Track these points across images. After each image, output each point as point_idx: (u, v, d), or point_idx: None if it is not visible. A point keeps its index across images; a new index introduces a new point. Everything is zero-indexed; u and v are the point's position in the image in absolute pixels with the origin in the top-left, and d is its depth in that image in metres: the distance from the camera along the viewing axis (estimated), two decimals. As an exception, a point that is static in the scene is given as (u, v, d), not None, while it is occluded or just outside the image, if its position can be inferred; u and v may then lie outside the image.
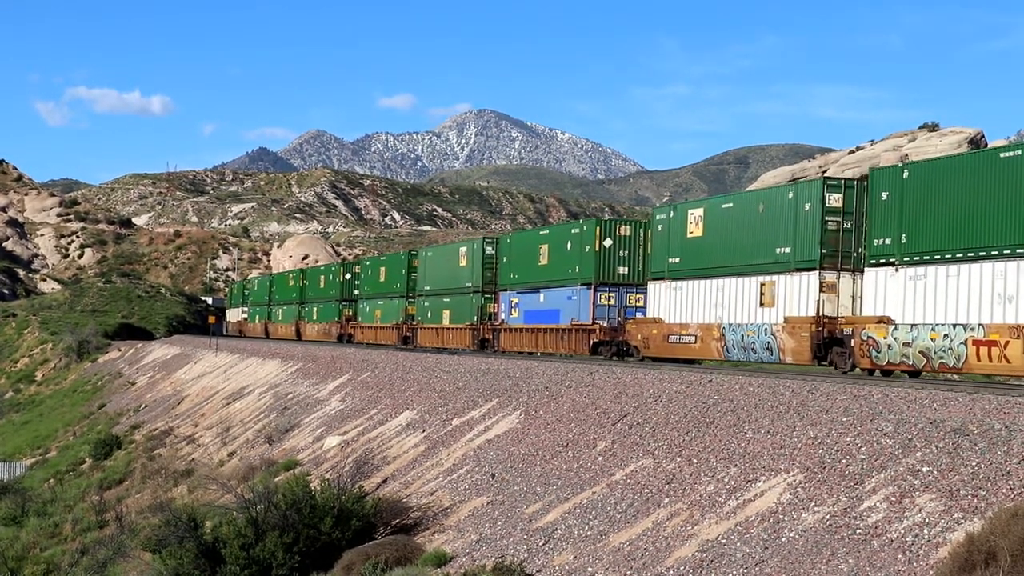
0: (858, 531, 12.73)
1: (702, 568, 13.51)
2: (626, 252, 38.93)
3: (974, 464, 13.03)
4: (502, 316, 46.12)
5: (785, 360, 29.25)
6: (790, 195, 29.82)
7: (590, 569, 14.85)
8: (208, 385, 51.17)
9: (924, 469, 13.42)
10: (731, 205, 32.76)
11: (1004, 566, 10.23)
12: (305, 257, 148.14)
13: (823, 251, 28.34)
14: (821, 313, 28.10)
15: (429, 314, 53.83)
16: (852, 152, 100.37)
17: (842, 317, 27.94)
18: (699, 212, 33.55)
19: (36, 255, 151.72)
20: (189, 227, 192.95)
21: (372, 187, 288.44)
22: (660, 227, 35.33)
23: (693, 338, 32.69)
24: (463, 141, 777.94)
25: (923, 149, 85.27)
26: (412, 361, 37.00)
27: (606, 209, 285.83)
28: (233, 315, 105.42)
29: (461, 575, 16.16)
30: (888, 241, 26.01)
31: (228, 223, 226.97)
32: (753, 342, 30.11)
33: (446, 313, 51.52)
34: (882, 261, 26.19)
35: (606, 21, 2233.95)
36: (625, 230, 39.16)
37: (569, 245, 40.70)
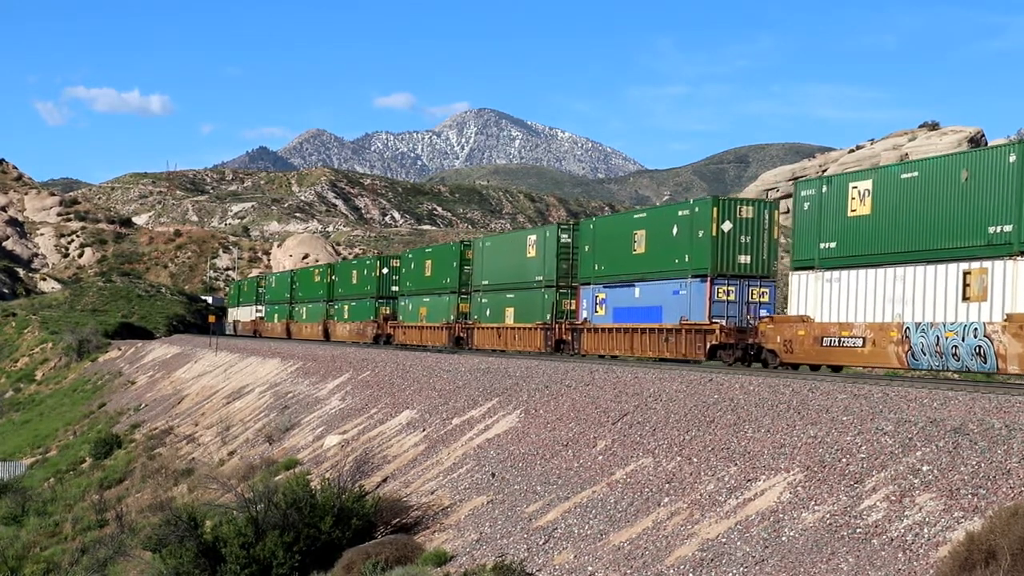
0: (858, 530, 12.73)
1: (702, 567, 13.51)
2: (748, 238, 33.31)
3: (974, 463, 13.03)
4: (584, 314, 40.20)
5: (1008, 369, 23.25)
6: (1012, 157, 23.51)
7: (590, 568, 14.84)
8: (208, 384, 51.15)
9: (924, 468, 13.42)
10: (915, 175, 26.37)
11: (1004, 565, 10.23)
12: (305, 256, 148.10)
13: None
14: None
15: (488, 312, 47.96)
16: (852, 151, 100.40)
17: None
18: (866, 185, 27.57)
19: (36, 254, 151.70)
20: (189, 226, 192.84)
21: (372, 186, 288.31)
22: (806, 205, 29.59)
23: (860, 341, 27.04)
24: (463, 140, 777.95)
25: (923, 148, 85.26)
26: (412, 360, 36.98)
27: (606, 208, 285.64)
28: (243, 314, 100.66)
29: (461, 574, 16.16)
30: None
31: (228, 222, 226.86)
32: (955, 346, 24.19)
33: (509, 311, 45.81)
34: None
35: (601, 20, 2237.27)
36: (747, 211, 33.59)
37: (675, 230, 34.82)
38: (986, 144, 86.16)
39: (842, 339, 27.53)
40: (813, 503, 13.94)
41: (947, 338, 24.38)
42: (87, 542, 29.65)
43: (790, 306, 30.45)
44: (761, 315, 32.77)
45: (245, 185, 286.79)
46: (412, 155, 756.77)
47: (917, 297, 25.53)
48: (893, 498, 13.06)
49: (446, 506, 19.85)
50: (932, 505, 12.50)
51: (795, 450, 15.78)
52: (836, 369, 29.16)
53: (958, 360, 24.19)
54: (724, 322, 32.68)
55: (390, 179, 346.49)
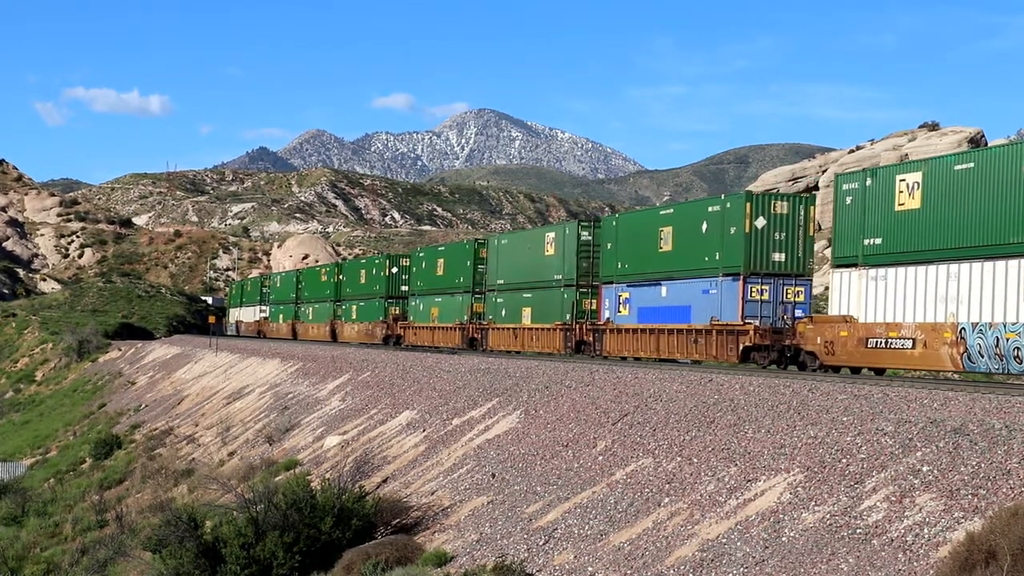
0: (858, 531, 12.73)
1: (702, 567, 13.51)
2: (783, 234, 32.21)
3: (974, 463, 13.03)
4: (606, 314, 38.74)
5: None
6: None
7: (590, 569, 14.84)
8: (208, 385, 51.16)
9: (924, 468, 13.42)
10: (971, 166, 24.75)
11: (1004, 565, 10.23)
12: (305, 257, 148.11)
13: None
14: None
15: (504, 312, 46.64)
16: (852, 152, 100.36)
17: None
18: (915, 177, 26.14)
19: (36, 255, 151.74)
20: (189, 227, 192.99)
21: (372, 187, 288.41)
22: (849, 199, 28.12)
23: (909, 342, 25.49)
24: (463, 141, 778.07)
25: (923, 148, 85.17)
26: (412, 361, 36.99)
27: (606, 208, 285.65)
28: (247, 314, 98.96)
29: (461, 575, 16.16)
30: None
31: (228, 223, 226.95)
32: (1016, 348, 22.61)
33: (526, 311, 44.57)
34: None
35: (601, 20, 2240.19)
36: (782, 207, 32.33)
37: (705, 226, 33.55)
38: (986, 144, 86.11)
39: (889, 340, 25.98)
40: (813, 503, 13.94)
41: (1008, 340, 22.78)
42: (87, 543, 29.64)
43: (831, 305, 28.98)
44: (796, 315, 31.49)
45: (245, 186, 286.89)
46: (412, 155, 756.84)
47: (973, 296, 23.95)
48: (893, 498, 13.06)
49: (446, 506, 19.85)
50: (932, 505, 12.50)
51: (795, 450, 15.78)
52: (880, 372, 27.91)
53: (1020, 363, 22.58)
54: (758, 322, 31.43)
55: (390, 179, 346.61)
